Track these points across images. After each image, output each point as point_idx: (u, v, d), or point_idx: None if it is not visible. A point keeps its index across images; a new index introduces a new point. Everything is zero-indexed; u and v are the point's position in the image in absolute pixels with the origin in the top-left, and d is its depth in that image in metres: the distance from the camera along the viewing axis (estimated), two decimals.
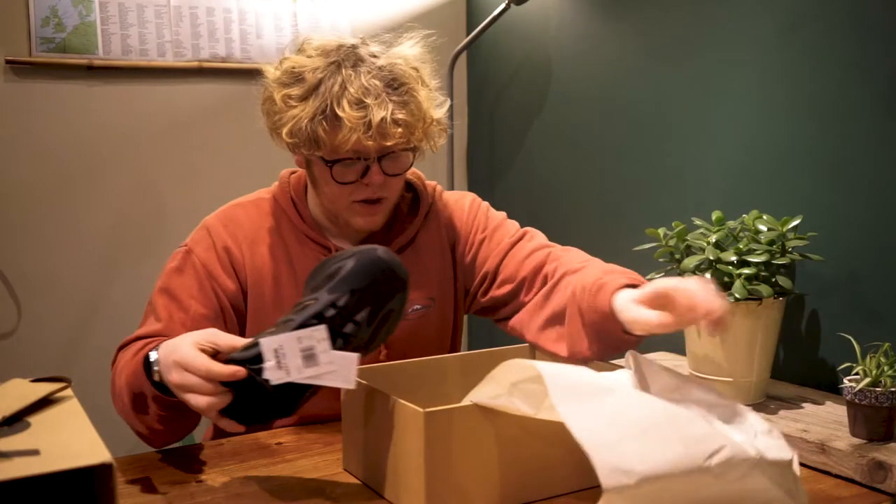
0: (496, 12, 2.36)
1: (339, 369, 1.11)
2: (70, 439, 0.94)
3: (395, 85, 1.34)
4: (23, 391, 1.06)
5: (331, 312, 1.13)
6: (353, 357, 1.11)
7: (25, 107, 2.19)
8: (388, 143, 1.33)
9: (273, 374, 1.10)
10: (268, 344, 1.10)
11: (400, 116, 1.32)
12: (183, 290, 1.39)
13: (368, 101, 1.30)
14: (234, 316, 1.41)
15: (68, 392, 1.10)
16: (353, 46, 1.36)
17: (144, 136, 2.33)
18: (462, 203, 1.56)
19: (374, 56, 1.36)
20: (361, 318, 1.15)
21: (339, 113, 1.30)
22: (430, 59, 1.42)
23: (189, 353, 1.14)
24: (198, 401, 1.13)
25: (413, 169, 1.55)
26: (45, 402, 1.06)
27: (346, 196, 1.38)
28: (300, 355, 1.10)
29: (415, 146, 1.40)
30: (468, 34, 2.62)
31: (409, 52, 1.39)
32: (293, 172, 1.52)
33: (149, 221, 2.36)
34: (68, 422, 1.00)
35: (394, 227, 1.50)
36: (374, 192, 1.38)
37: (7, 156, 2.18)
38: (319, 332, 1.10)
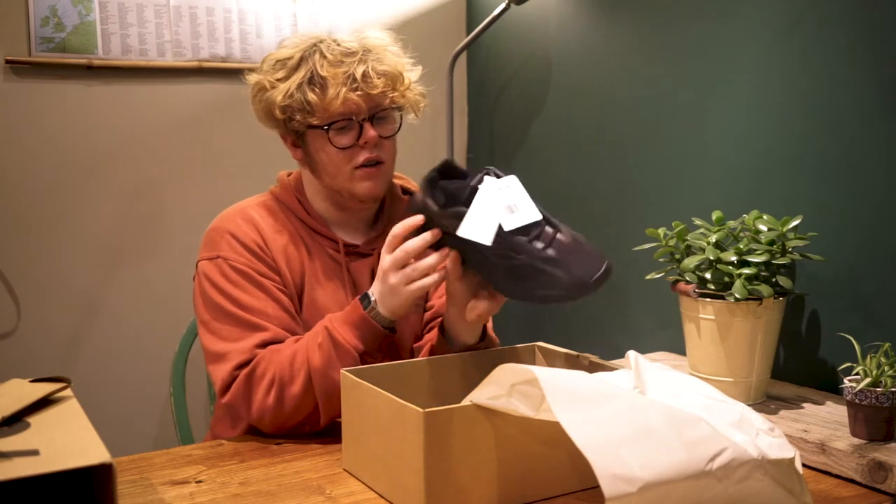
0: (496, 12, 2.36)
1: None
2: (70, 439, 0.94)
3: (368, 49, 1.45)
4: (22, 391, 1.06)
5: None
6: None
7: (25, 107, 2.18)
8: (374, 94, 1.42)
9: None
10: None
11: (380, 68, 1.43)
12: (253, 300, 1.41)
13: (347, 60, 1.42)
14: (292, 301, 1.46)
15: (68, 392, 1.10)
16: (321, 39, 1.47)
17: (144, 136, 2.33)
18: None
19: (341, 39, 1.47)
20: (559, 237, 1.25)
21: (323, 73, 1.41)
22: (395, 42, 1.51)
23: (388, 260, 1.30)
24: (429, 280, 1.30)
25: (408, 178, 1.60)
26: (44, 402, 1.06)
27: (346, 163, 1.44)
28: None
29: (400, 106, 1.48)
30: (468, 34, 2.62)
31: (376, 32, 1.50)
32: (289, 174, 1.57)
33: (149, 221, 2.36)
34: (68, 422, 1.00)
35: (391, 224, 1.53)
36: (372, 151, 1.44)
37: (6, 156, 2.18)
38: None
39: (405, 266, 1.30)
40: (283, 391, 1.33)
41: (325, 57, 1.42)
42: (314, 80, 1.41)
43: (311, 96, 1.41)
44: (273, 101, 1.43)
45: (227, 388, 1.37)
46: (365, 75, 1.40)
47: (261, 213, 1.49)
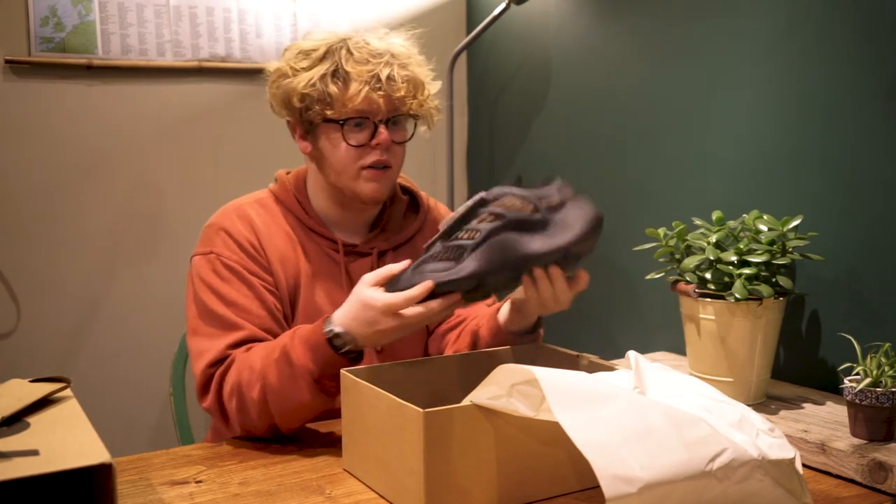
0: (496, 12, 2.36)
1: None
2: (69, 439, 0.94)
3: (394, 54, 1.44)
4: (22, 391, 1.06)
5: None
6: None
7: (25, 107, 2.18)
8: (396, 97, 1.42)
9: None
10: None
11: (405, 73, 1.43)
12: (239, 296, 1.40)
13: (373, 60, 1.41)
14: (282, 303, 1.45)
15: (68, 392, 1.10)
16: (347, 36, 1.46)
17: (144, 136, 2.33)
18: None
19: (368, 39, 1.46)
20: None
21: (349, 69, 1.40)
22: (419, 52, 1.51)
23: (379, 307, 1.24)
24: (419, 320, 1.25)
25: (407, 177, 1.60)
26: (44, 402, 1.06)
27: (354, 162, 1.44)
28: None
29: (416, 115, 1.48)
30: (468, 34, 2.62)
31: (400, 40, 1.49)
32: (288, 172, 1.57)
33: (148, 221, 2.36)
34: (67, 422, 1.00)
35: (390, 224, 1.56)
36: (382, 154, 1.44)
37: (6, 155, 2.18)
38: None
39: (399, 310, 1.25)
40: (243, 398, 1.32)
41: (351, 53, 1.42)
42: (338, 74, 1.41)
43: (333, 88, 1.40)
44: (293, 89, 1.42)
45: (202, 388, 1.37)
46: (390, 77, 1.41)
47: (258, 212, 1.48)
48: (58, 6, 2.17)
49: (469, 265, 1.24)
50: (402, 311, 1.24)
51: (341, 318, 1.28)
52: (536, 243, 1.23)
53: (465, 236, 1.26)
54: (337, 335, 1.28)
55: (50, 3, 2.16)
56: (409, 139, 1.48)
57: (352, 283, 1.49)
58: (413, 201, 1.61)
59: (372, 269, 1.49)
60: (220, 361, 1.36)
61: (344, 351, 1.28)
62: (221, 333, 1.37)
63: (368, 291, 1.26)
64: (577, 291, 1.30)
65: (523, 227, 1.24)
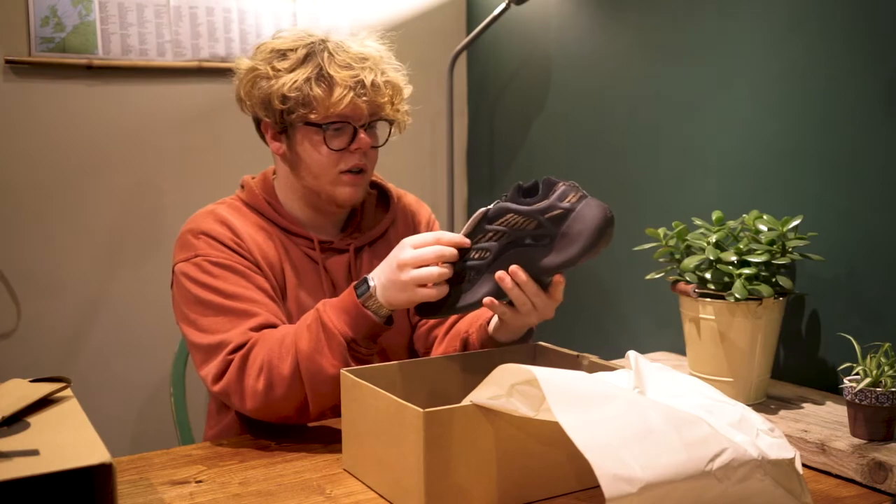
0: (496, 12, 2.36)
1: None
2: (69, 439, 0.94)
3: (374, 58, 1.45)
4: (22, 391, 1.06)
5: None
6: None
7: (25, 107, 2.18)
8: (381, 101, 1.42)
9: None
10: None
11: (388, 78, 1.44)
12: (240, 289, 1.38)
13: (357, 65, 1.41)
14: (275, 292, 1.45)
15: (68, 392, 1.10)
16: (324, 38, 1.45)
17: (144, 136, 2.33)
18: (423, 209, 1.67)
19: (347, 43, 1.46)
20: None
21: (332, 73, 1.39)
22: (392, 56, 1.51)
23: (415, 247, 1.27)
24: (430, 272, 1.25)
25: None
26: (44, 402, 1.06)
27: (333, 166, 1.44)
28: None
29: (392, 119, 1.48)
30: (468, 34, 2.62)
31: (374, 44, 1.49)
32: (253, 177, 1.56)
33: (148, 221, 2.36)
34: (68, 422, 1.00)
35: (363, 221, 1.57)
36: (361, 159, 1.44)
37: (7, 156, 2.18)
38: None
39: (424, 266, 1.26)
40: (272, 374, 1.29)
41: (333, 56, 1.41)
42: (322, 77, 1.40)
43: (317, 91, 1.39)
44: (275, 90, 1.40)
45: (221, 375, 1.33)
46: (374, 83, 1.41)
47: (233, 214, 1.47)
48: (58, 6, 2.17)
49: (482, 288, 1.27)
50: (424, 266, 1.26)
51: (374, 273, 1.30)
52: (544, 260, 1.24)
53: (476, 256, 1.27)
54: (369, 296, 1.29)
55: (50, 3, 2.16)
56: (384, 144, 1.49)
57: (331, 280, 1.49)
58: (381, 194, 1.60)
59: (349, 265, 1.50)
60: (242, 346, 1.33)
61: (375, 307, 1.29)
62: (238, 322, 1.35)
63: (399, 251, 1.28)
64: (557, 301, 1.30)
65: (529, 245, 1.25)
